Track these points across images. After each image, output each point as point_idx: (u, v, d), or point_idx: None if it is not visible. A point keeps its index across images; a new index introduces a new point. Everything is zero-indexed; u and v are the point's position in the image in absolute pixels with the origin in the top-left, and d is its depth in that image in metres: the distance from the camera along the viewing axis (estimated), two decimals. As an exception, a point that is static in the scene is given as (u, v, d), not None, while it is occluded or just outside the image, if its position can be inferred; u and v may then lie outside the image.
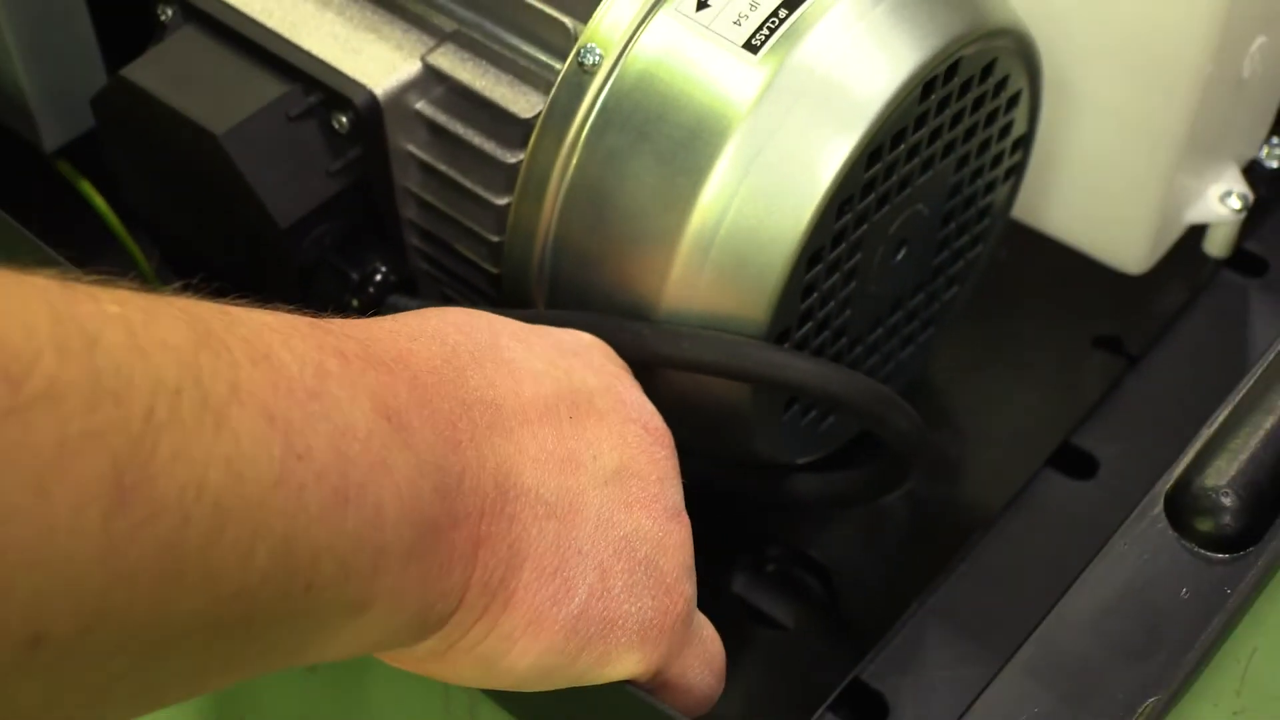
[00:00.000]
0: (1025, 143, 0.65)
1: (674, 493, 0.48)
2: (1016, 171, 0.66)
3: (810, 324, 0.58)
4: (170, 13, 0.62)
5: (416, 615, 0.39)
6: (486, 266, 0.61)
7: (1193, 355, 0.73)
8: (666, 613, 0.45)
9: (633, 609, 0.44)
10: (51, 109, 0.74)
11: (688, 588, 0.47)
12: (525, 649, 0.42)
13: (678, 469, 0.49)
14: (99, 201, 0.73)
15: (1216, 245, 0.76)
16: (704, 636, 0.49)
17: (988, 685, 0.53)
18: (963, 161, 0.62)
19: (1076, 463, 0.69)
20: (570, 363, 0.48)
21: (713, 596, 0.62)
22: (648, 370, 0.54)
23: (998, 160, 0.64)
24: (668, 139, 0.54)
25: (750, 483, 0.64)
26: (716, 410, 0.59)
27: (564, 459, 0.44)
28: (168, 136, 0.59)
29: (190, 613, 0.32)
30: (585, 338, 0.51)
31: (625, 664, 0.45)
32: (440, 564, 0.39)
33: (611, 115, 0.55)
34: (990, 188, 0.65)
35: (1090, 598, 0.54)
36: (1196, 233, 0.76)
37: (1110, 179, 0.72)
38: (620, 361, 0.51)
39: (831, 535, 0.67)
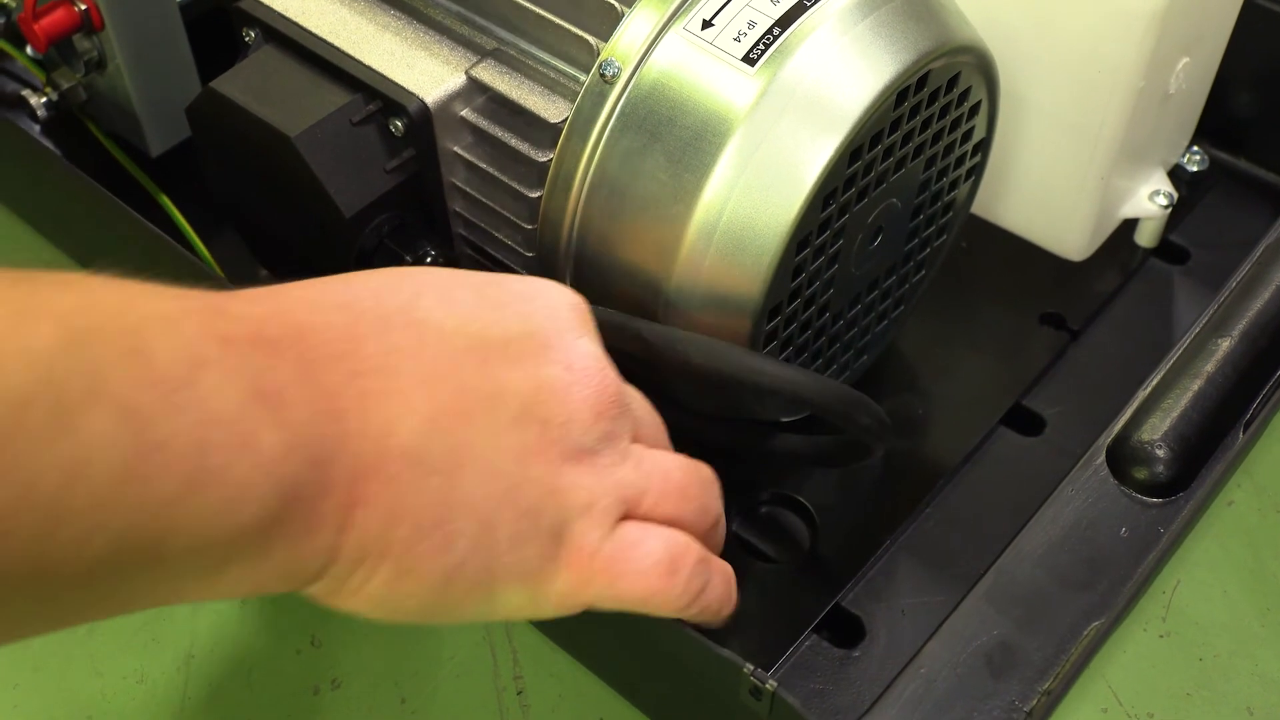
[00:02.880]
0: (984, 146, 0.62)
1: (580, 434, 0.41)
2: (976, 171, 0.63)
3: (799, 301, 0.55)
4: (253, 35, 0.60)
5: (285, 571, 0.36)
6: (521, 250, 0.58)
7: (1125, 330, 0.70)
8: (557, 554, 0.40)
9: (515, 557, 0.39)
10: (156, 118, 0.71)
11: (586, 525, 0.41)
12: (408, 594, 0.38)
13: (601, 407, 0.42)
14: (173, 212, 0.70)
15: (1145, 237, 0.74)
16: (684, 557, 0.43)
17: (952, 611, 0.50)
18: (930, 161, 0.59)
19: (1026, 422, 0.66)
20: (497, 314, 0.41)
21: None
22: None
23: (960, 161, 0.61)
24: (676, 139, 0.52)
25: (746, 439, 0.61)
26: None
27: (459, 413, 0.39)
28: (250, 139, 0.57)
29: (19, 588, 0.30)
30: (546, 286, 0.44)
31: (516, 601, 0.40)
32: (307, 529, 0.36)
33: (628, 119, 0.53)
34: (954, 185, 0.62)
35: (1041, 536, 0.51)
36: (1128, 226, 0.73)
37: (1056, 179, 0.69)
38: (580, 309, 0.44)
39: (815, 482, 0.64)
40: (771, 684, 0.45)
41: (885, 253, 0.60)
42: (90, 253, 0.73)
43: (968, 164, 0.62)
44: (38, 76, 0.73)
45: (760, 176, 0.51)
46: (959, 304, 0.71)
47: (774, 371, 0.51)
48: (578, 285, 0.56)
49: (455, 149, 0.58)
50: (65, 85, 0.72)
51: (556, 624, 0.58)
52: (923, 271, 0.65)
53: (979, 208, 0.72)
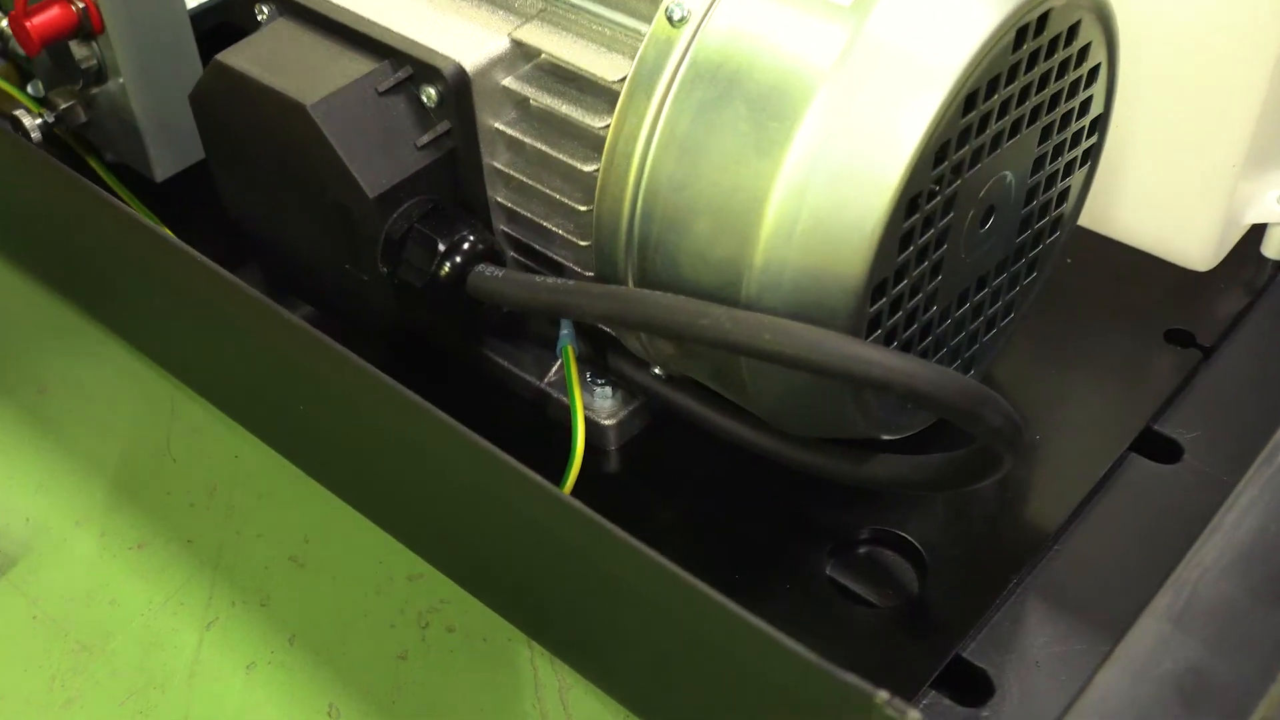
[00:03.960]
0: (1101, 125, 0.54)
1: None
2: (1092, 156, 0.55)
3: (905, 282, 0.47)
4: (266, 11, 0.53)
5: None
6: (575, 240, 0.50)
7: (1263, 346, 0.61)
8: None
9: None
10: (162, 138, 0.64)
11: None
12: None
13: None
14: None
15: (1274, 248, 0.64)
16: None
17: (1122, 637, 0.40)
18: (1046, 133, 0.51)
19: (1160, 448, 0.57)
20: None
21: (804, 578, 0.52)
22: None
23: (1076, 139, 0.53)
24: (759, 84, 0.44)
25: (841, 465, 0.52)
26: (805, 387, 0.47)
27: None
28: (261, 115, 0.49)
29: None
30: None
31: None
32: None
33: (701, 67, 0.45)
34: (1069, 169, 0.54)
35: (1223, 544, 0.41)
36: (1251, 233, 0.64)
37: (1178, 181, 0.61)
38: None
39: (920, 517, 0.55)
40: (915, 716, 0.35)
41: (996, 242, 0.51)
42: (78, 277, 0.65)
43: (1084, 144, 0.54)
44: (32, 110, 0.66)
45: (863, 120, 0.43)
46: (1068, 321, 0.62)
47: (885, 361, 0.42)
48: (641, 274, 0.47)
49: (497, 125, 0.50)
50: (62, 105, 0.65)
51: (606, 663, 0.48)
52: (1034, 274, 0.56)
53: (1084, 218, 0.64)
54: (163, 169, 0.65)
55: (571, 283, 0.47)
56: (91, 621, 0.55)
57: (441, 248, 0.48)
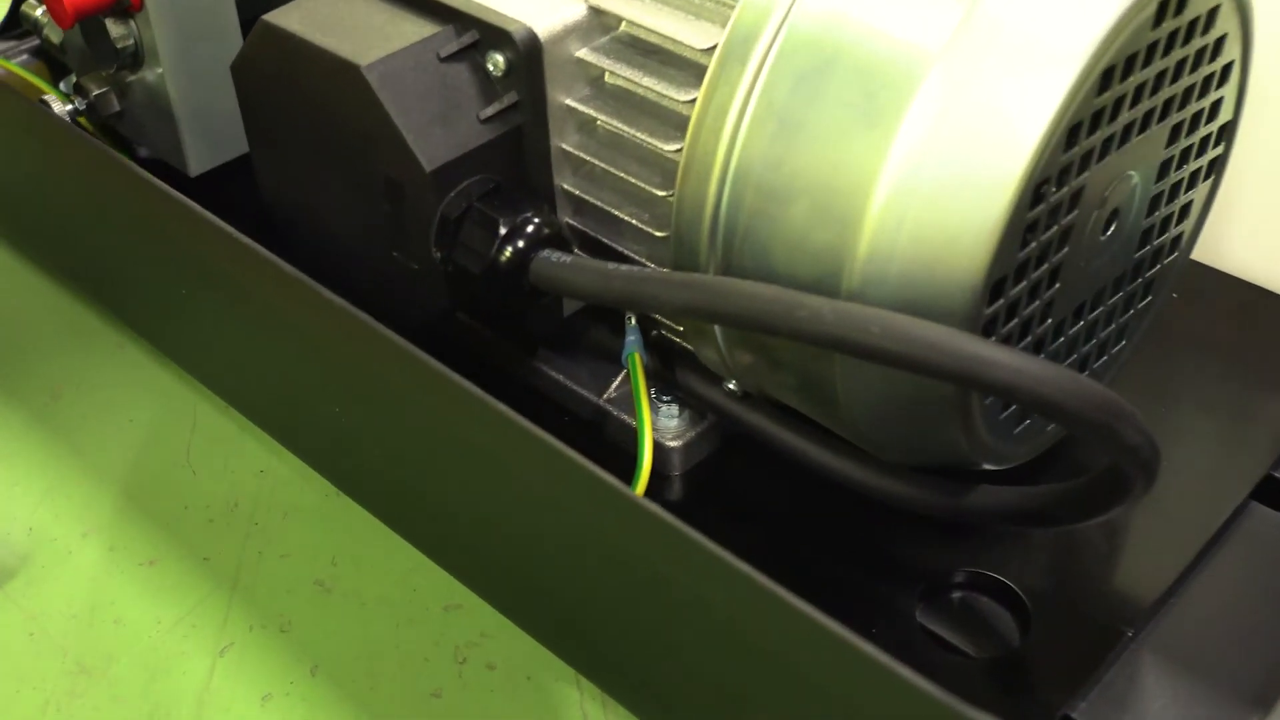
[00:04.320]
0: (1229, 134, 0.49)
1: None
2: (1216, 170, 0.50)
3: (1024, 283, 0.41)
4: (318, -22, 0.48)
5: None
6: (650, 231, 0.45)
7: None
8: None
9: None
10: (199, 128, 0.60)
11: None
12: None
13: None
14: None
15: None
16: None
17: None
18: (1175, 133, 0.46)
19: (1284, 495, 0.51)
20: None
21: (892, 623, 0.46)
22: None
23: (1204, 146, 0.48)
24: (870, 48, 0.39)
25: (938, 497, 0.47)
26: (908, 398, 0.42)
27: None
28: (309, 81, 0.45)
29: None
30: None
31: None
32: None
33: (802, 31, 0.40)
34: (1193, 181, 0.49)
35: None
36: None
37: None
38: None
39: (1020, 560, 0.49)
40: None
41: (1116, 254, 0.46)
42: (99, 270, 0.61)
43: (1210, 153, 0.49)
44: (61, 99, 0.62)
45: (991, 89, 0.38)
46: (1178, 359, 0.57)
47: (1012, 362, 0.36)
48: (726, 266, 0.43)
49: (568, 102, 0.45)
50: (95, 91, 0.61)
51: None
52: (1149, 298, 0.51)
53: (1195, 250, 0.58)
54: (198, 162, 0.61)
55: (649, 270, 0.42)
56: (93, 641, 0.50)
57: (503, 230, 0.43)
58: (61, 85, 0.65)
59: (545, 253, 0.44)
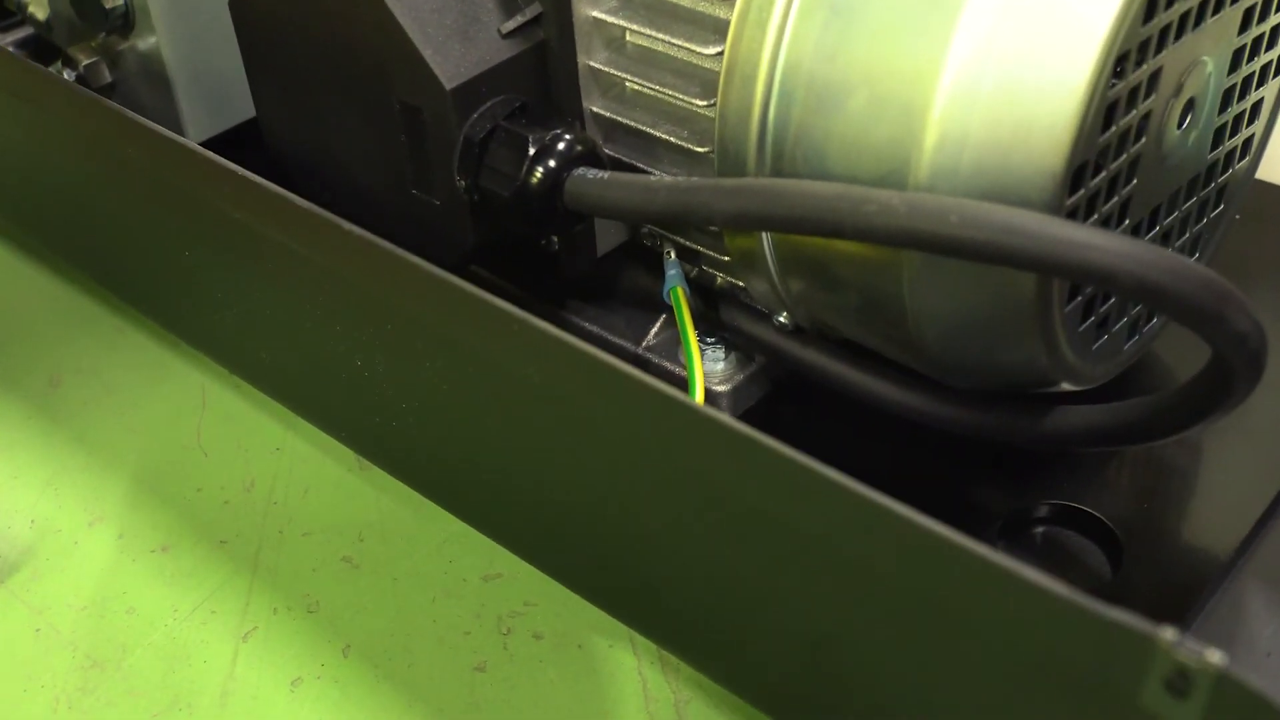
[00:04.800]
0: (1299, 25, 0.46)
1: None
2: (1287, 66, 0.46)
3: (1104, 174, 0.38)
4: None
5: None
6: (691, 148, 0.42)
7: None
8: None
9: None
10: (197, 93, 0.57)
11: None
12: None
13: None
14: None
15: None
16: None
17: None
18: (1247, 19, 0.42)
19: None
20: None
21: None
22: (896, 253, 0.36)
23: (1275, 37, 0.45)
24: (930, -81, 0.35)
25: (1016, 421, 0.43)
26: (984, 306, 0.39)
27: None
28: (314, 2, 0.41)
29: None
30: None
31: None
32: None
33: (853, -91, 0.37)
34: (1263, 76, 0.45)
35: None
36: None
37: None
38: None
39: (1100, 490, 0.45)
40: (1216, 657, 0.26)
41: (1191, 151, 0.43)
42: (98, 244, 0.57)
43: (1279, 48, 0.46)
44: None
45: (1064, -50, 0.34)
46: (1253, 279, 0.54)
47: (1110, 244, 0.33)
48: (778, 174, 0.39)
49: (594, 14, 0.42)
50: (85, 61, 0.57)
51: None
52: (1221, 206, 0.48)
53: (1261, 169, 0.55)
54: (198, 130, 0.57)
55: (696, 180, 0.38)
56: (105, 634, 0.47)
57: (533, 148, 0.40)
58: (51, 70, 0.62)
59: (580, 170, 0.41)
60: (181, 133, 0.57)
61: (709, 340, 0.48)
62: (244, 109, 0.56)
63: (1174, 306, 0.33)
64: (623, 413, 0.38)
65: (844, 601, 0.35)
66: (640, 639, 0.45)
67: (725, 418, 0.35)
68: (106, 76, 0.58)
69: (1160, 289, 0.33)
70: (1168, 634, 0.27)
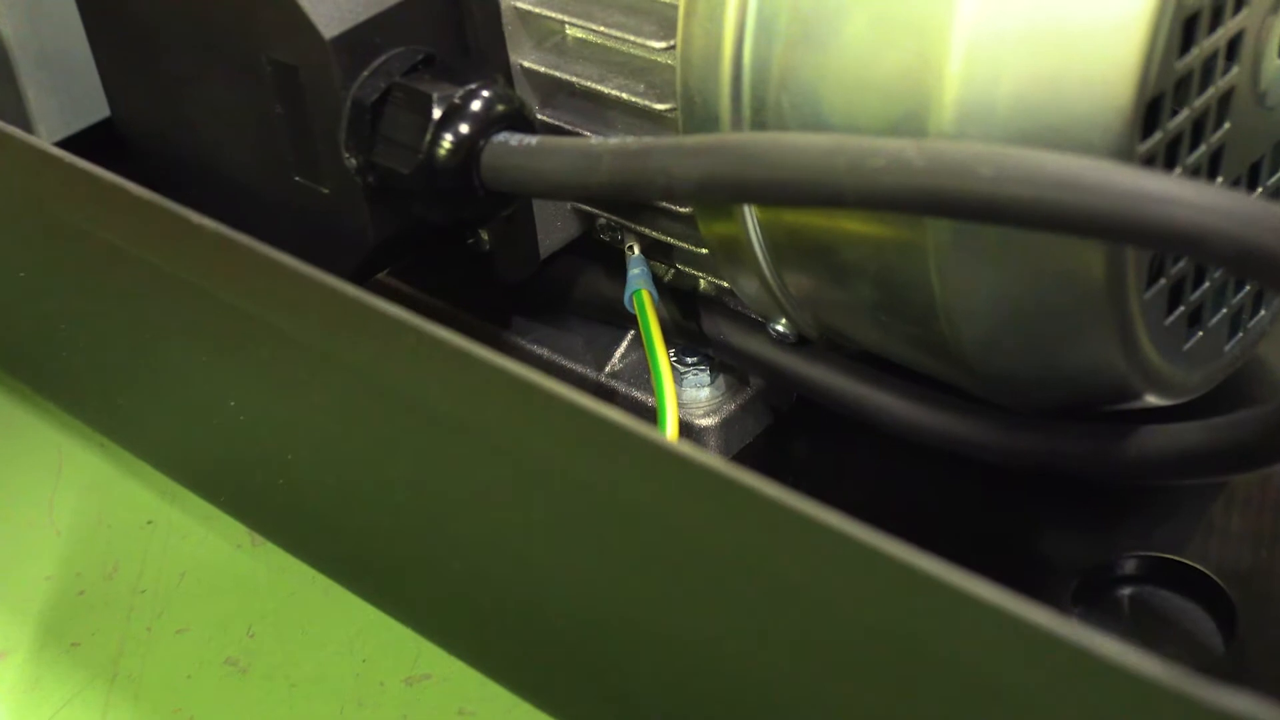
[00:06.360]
0: None
1: None
2: None
3: (1187, 113, 0.35)
4: None
5: None
6: (647, 103, 0.40)
7: None
8: None
9: None
10: (49, 88, 0.55)
11: None
12: None
13: None
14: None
15: None
16: None
17: None
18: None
19: None
20: None
21: None
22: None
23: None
24: None
25: (1088, 446, 0.40)
26: (1036, 294, 0.36)
27: None
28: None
29: None
30: None
31: None
32: None
33: None
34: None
35: None
36: None
37: None
38: None
39: (1204, 538, 0.43)
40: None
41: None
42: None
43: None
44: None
45: None
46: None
47: (1200, 198, 0.29)
48: (760, 128, 0.37)
49: (518, -60, 0.39)
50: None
51: None
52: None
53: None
54: (50, 127, 0.56)
55: (650, 140, 0.36)
56: (-83, 768, 0.43)
57: (437, 111, 0.37)
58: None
59: (501, 136, 0.37)
60: (31, 131, 0.56)
61: (689, 360, 0.46)
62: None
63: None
64: (575, 459, 0.35)
65: (890, 698, 0.32)
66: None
67: (710, 460, 0.31)
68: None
69: (1272, 257, 0.29)
70: None
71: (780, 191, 0.34)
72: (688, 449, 0.31)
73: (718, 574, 0.34)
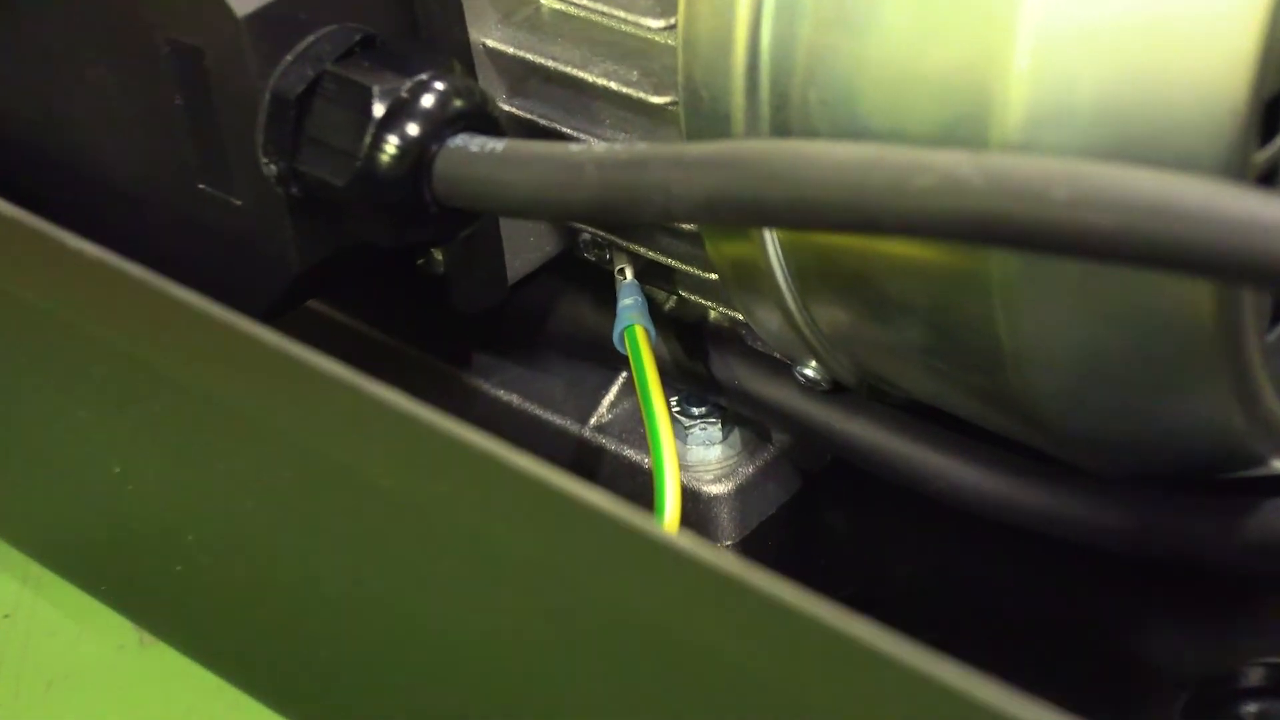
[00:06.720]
0: None
1: None
2: None
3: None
4: None
5: None
6: (640, 95, 0.44)
7: None
8: None
9: None
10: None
11: None
12: None
13: None
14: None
15: None
16: None
17: None
18: None
19: None
20: None
21: None
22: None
23: None
24: None
25: (1196, 524, 0.43)
26: (1128, 340, 0.39)
27: None
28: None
29: None
30: None
31: None
32: None
33: None
34: None
35: None
36: None
37: None
38: None
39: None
40: None
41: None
42: None
43: None
44: None
45: None
46: None
47: None
48: (781, 128, 0.41)
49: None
50: None
51: None
52: None
53: None
54: None
55: (646, 147, 0.39)
56: None
57: (379, 107, 0.40)
58: None
59: (459, 139, 0.41)
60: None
61: (695, 411, 0.50)
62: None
63: None
64: (546, 551, 0.38)
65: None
66: None
67: (717, 558, 0.34)
68: None
69: None
70: None
71: (803, 216, 0.37)
72: (700, 552, 0.34)
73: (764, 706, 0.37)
